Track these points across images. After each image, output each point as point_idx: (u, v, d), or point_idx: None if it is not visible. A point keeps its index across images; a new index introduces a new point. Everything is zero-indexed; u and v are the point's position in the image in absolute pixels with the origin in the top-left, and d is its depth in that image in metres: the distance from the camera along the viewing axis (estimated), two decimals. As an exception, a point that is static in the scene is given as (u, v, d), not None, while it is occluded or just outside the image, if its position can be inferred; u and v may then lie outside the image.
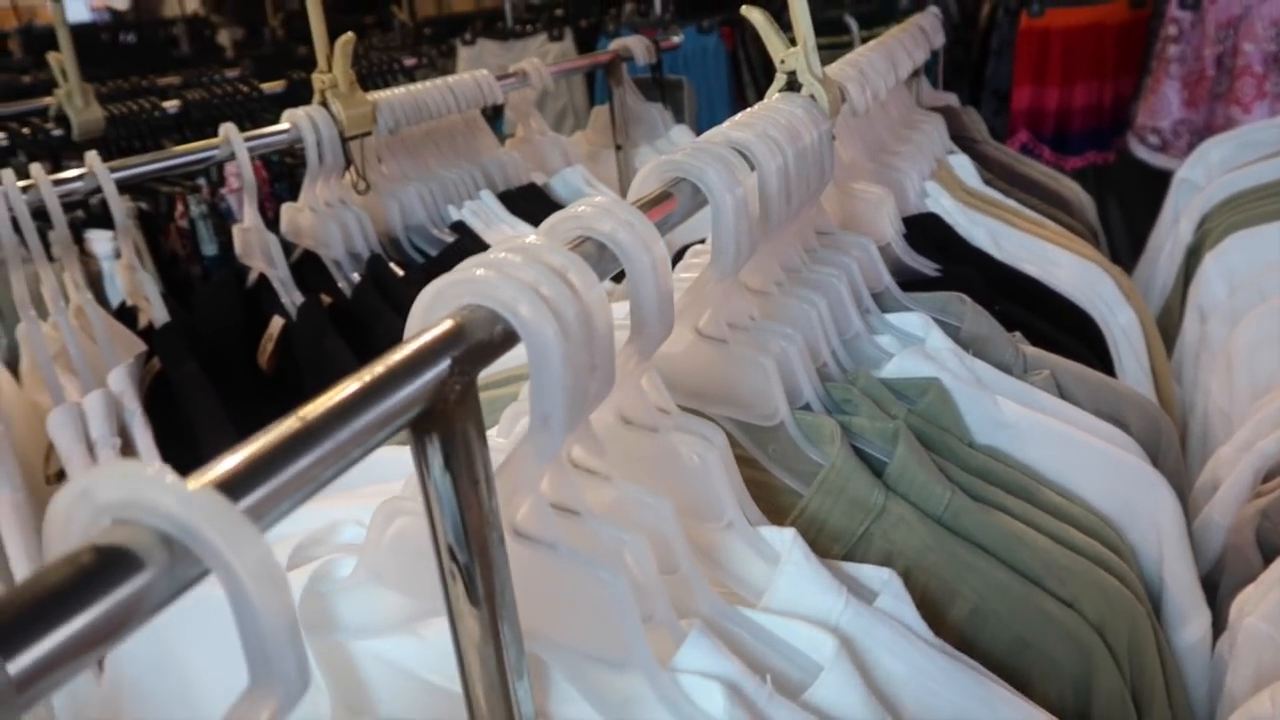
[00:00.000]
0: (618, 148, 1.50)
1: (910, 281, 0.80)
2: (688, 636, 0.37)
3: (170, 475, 0.19)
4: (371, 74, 1.69)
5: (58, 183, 0.83)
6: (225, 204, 1.24)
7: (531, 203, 1.16)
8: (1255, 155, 1.26)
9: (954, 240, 0.87)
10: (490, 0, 4.12)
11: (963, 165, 1.05)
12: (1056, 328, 0.77)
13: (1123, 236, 2.73)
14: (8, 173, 0.82)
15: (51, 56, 1.21)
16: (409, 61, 1.77)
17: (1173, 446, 0.64)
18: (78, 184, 0.84)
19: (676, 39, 1.59)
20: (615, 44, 1.50)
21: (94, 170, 0.85)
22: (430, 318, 0.34)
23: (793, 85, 0.74)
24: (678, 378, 0.55)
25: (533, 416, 0.34)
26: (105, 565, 0.17)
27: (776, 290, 0.60)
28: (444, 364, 0.30)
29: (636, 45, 1.48)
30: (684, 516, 0.45)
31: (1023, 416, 0.58)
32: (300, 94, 1.50)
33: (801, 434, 0.54)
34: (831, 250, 0.68)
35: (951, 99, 1.29)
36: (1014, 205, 0.99)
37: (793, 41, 0.73)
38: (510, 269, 0.34)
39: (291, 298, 0.92)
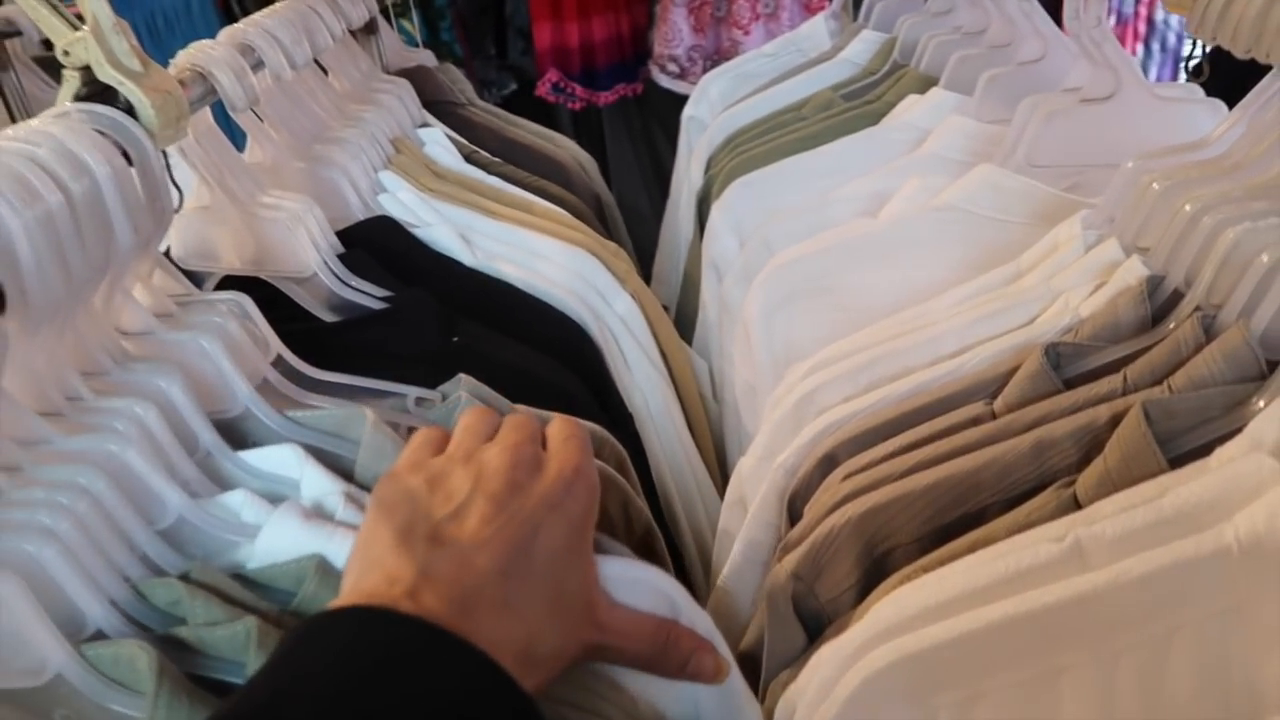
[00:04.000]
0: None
1: (353, 320, 0.62)
2: None
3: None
4: None
5: None
6: None
7: None
8: (751, 88, 1.23)
9: (412, 249, 0.69)
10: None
11: (435, 140, 0.88)
12: (532, 342, 0.62)
13: (671, 161, 2.79)
14: None
15: None
16: None
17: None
18: None
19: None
20: (-7, 16, 1.14)
21: None
22: None
23: (93, 87, 0.50)
24: None
25: None
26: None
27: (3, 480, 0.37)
28: None
29: (23, 16, 1.13)
30: None
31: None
32: None
33: (100, 681, 0.33)
34: (142, 370, 0.43)
35: (425, 56, 1.11)
36: (495, 185, 0.83)
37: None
38: None
39: None
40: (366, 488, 0.43)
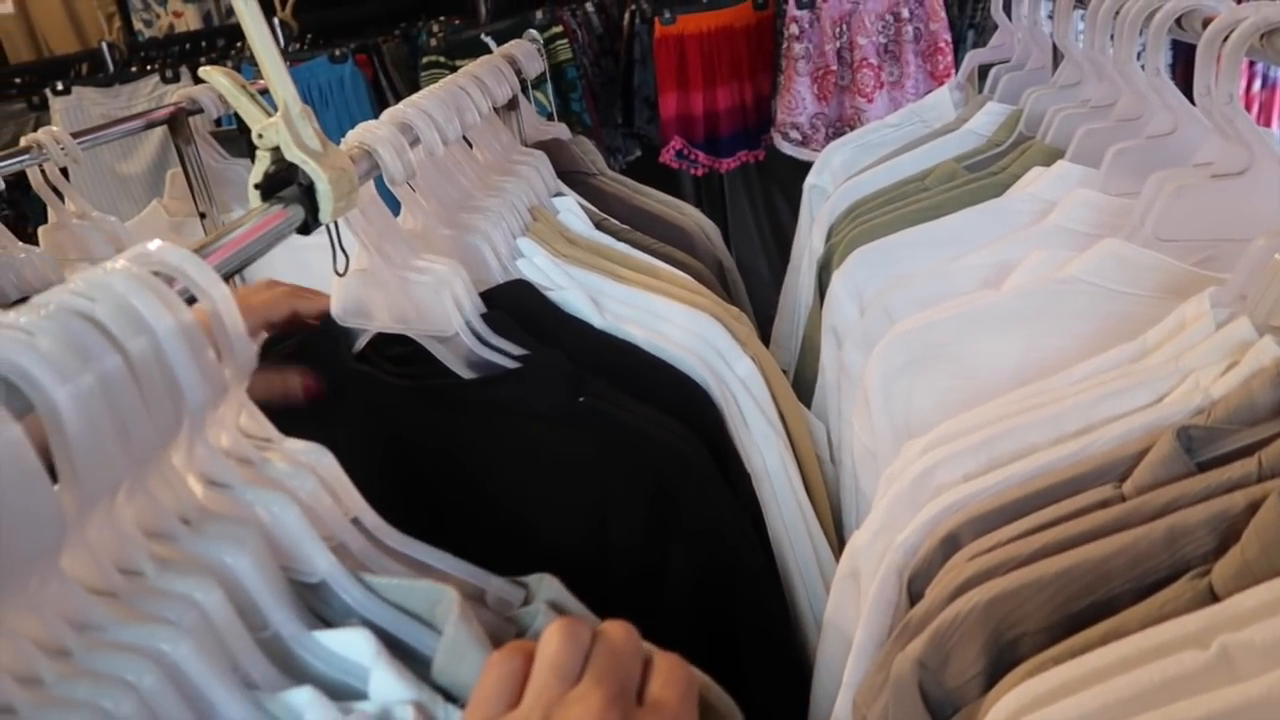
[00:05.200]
0: (202, 216, 1.27)
1: (488, 378, 0.66)
2: None
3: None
4: None
5: None
6: None
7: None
8: (873, 158, 1.25)
9: (546, 311, 0.74)
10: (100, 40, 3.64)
11: (569, 208, 0.93)
12: (656, 401, 0.65)
13: (790, 226, 2.82)
14: None
15: None
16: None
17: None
18: None
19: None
20: (179, 94, 1.27)
21: None
22: None
23: (281, 165, 0.57)
24: None
25: None
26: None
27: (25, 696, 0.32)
28: None
29: (204, 95, 1.25)
30: None
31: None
32: None
33: None
34: (214, 535, 0.39)
35: (560, 130, 1.17)
36: (624, 251, 0.87)
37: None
38: None
39: None
40: (443, 690, 0.39)
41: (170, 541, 0.37)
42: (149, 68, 2.83)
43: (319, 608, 0.41)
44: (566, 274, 0.78)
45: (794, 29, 2.17)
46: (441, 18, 2.75)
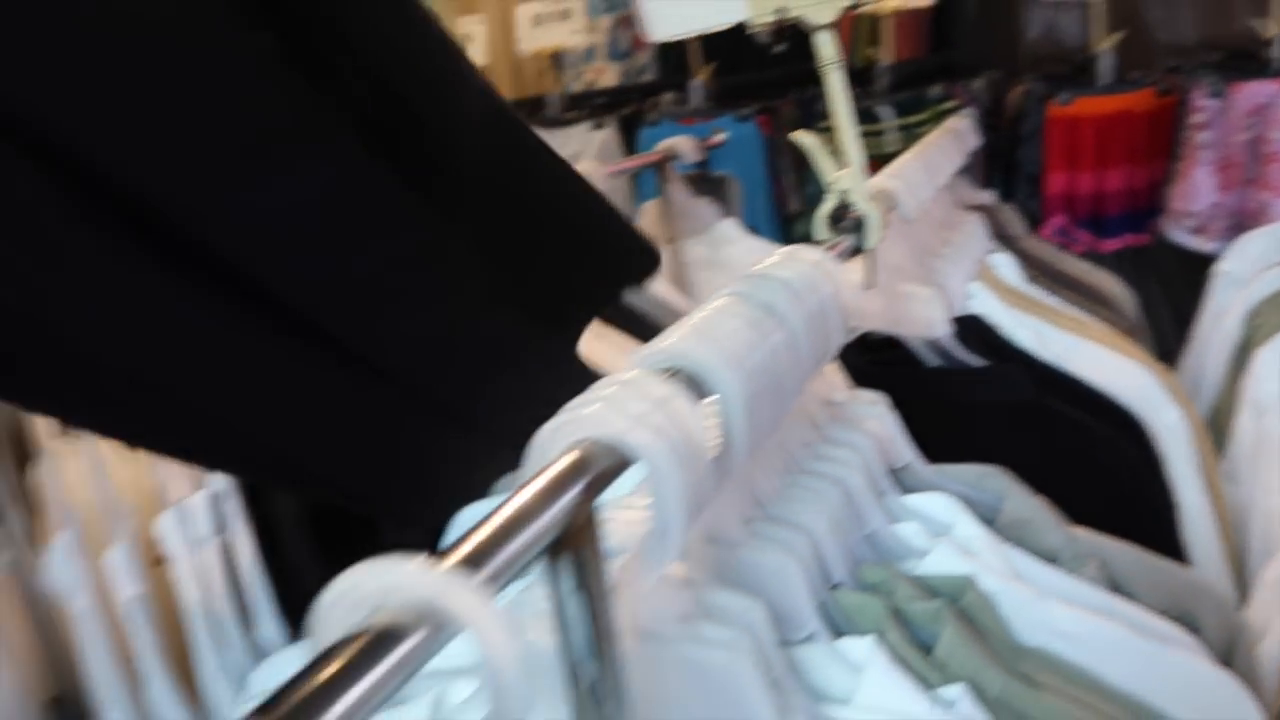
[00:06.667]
0: (670, 241, 1.56)
1: (958, 370, 0.84)
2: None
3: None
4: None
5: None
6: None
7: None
8: (1292, 249, 1.29)
9: (998, 341, 0.90)
10: (533, 90, 4.27)
11: (1005, 264, 1.09)
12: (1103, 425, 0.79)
13: (1167, 316, 2.73)
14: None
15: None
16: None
17: (1248, 651, 0.55)
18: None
19: (720, 137, 1.65)
20: (663, 145, 1.57)
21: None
22: (548, 455, 0.38)
23: (844, 205, 0.79)
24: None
25: (653, 531, 0.38)
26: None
27: (743, 537, 0.48)
28: (575, 491, 0.34)
29: (685, 145, 1.55)
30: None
31: (1082, 622, 0.49)
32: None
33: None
34: (842, 425, 0.58)
35: (989, 197, 1.33)
36: (1056, 304, 1.02)
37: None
38: (618, 402, 0.38)
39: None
40: (1003, 534, 0.53)
41: (819, 428, 0.59)
42: (576, 114, 3.31)
43: (899, 485, 0.60)
44: (1011, 315, 0.94)
45: (1199, 117, 2.17)
46: (837, 87, 2.98)
